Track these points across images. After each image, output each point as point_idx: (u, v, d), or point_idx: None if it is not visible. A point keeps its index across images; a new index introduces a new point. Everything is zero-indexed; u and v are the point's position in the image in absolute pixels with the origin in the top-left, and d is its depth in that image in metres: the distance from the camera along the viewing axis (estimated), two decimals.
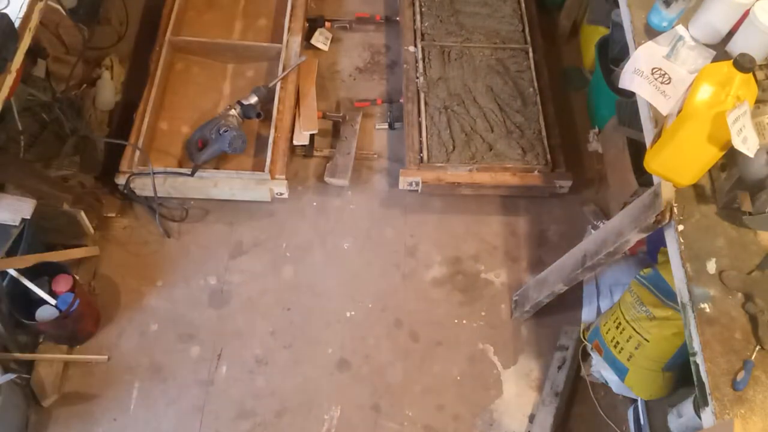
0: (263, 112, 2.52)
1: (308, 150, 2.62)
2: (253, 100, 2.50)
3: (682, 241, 1.55)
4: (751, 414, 1.36)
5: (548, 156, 2.51)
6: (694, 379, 1.44)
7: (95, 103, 2.50)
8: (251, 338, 2.23)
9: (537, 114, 2.61)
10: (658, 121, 1.71)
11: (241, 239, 2.43)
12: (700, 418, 1.43)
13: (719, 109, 1.39)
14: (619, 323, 1.96)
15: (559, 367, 2.18)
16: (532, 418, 2.13)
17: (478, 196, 2.56)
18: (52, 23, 2.27)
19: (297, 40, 2.74)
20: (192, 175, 2.36)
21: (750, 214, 1.56)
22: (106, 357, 2.15)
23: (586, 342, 2.15)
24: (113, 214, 2.42)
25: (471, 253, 2.45)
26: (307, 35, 2.90)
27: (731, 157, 1.57)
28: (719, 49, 1.79)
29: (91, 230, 2.32)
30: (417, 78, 2.69)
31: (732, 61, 1.39)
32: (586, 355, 2.20)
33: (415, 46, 2.78)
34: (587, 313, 2.29)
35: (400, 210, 2.53)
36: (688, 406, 1.92)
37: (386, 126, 2.74)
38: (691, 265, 1.52)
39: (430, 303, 2.34)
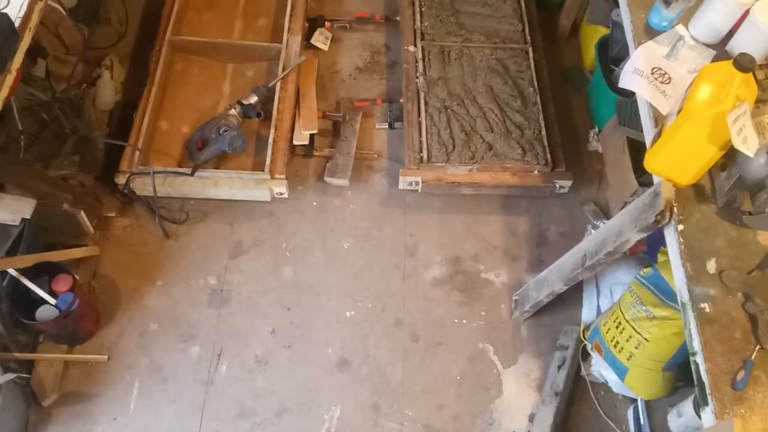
0: (263, 111, 2.52)
1: (308, 150, 2.62)
2: (253, 99, 2.50)
3: (682, 240, 1.55)
4: (751, 414, 1.36)
5: (548, 156, 2.50)
6: (694, 378, 1.44)
7: (95, 102, 2.50)
8: (251, 338, 2.23)
9: (537, 114, 2.61)
10: (658, 120, 1.71)
11: (241, 239, 2.43)
12: (700, 417, 1.43)
13: (719, 109, 1.39)
14: (619, 323, 1.96)
15: (559, 367, 2.18)
16: (532, 418, 2.13)
17: (478, 196, 2.56)
18: (52, 23, 2.27)
19: (297, 40, 2.74)
20: (192, 174, 2.36)
21: (750, 213, 1.56)
22: (106, 357, 2.15)
23: (586, 342, 2.15)
24: (113, 214, 2.42)
25: (471, 253, 2.45)
26: (307, 35, 2.90)
27: (731, 156, 1.57)
28: (719, 49, 1.79)
29: (91, 230, 2.32)
30: (417, 78, 2.68)
31: (732, 60, 1.39)
32: (586, 355, 2.20)
33: (415, 45, 2.78)
34: (587, 313, 2.29)
35: (400, 210, 2.53)
36: (688, 406, 1.92)
37: (386, 126, 2.74)
38: (691, 264, 1.52)
39: (430, 303, 2.34)
